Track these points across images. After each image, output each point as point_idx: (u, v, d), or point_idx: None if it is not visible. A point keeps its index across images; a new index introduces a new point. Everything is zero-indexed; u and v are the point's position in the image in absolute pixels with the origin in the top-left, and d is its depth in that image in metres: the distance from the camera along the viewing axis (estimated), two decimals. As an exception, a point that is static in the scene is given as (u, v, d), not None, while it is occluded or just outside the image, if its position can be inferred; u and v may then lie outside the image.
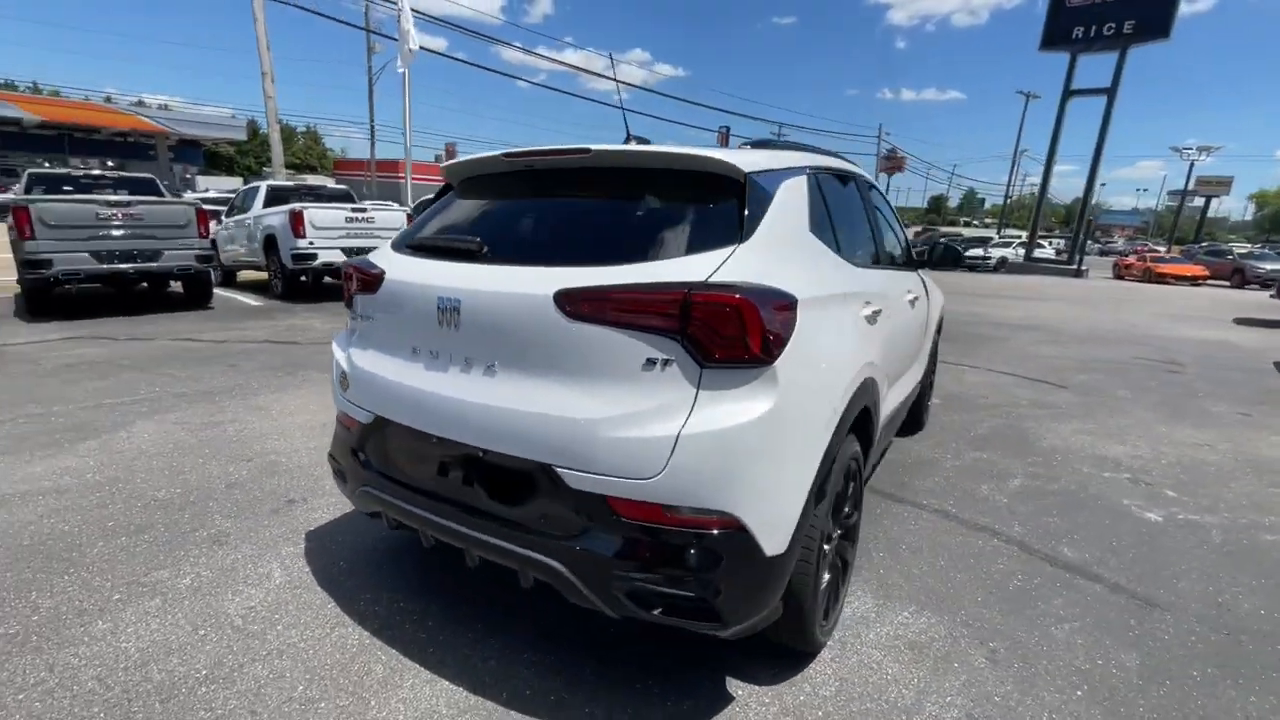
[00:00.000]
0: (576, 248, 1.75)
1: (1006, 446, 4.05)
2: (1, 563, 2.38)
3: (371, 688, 1.82)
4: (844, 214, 2.60)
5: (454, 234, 1.97)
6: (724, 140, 45.22)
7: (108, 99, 39.47)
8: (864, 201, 2.75)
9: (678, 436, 1.44)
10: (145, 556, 2.46)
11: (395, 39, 12.36)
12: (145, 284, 8.67)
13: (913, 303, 3.05)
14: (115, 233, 7.48)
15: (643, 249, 1.64)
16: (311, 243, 8.94)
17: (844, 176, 2.63)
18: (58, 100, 35.81)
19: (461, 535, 1.72)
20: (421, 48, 12.15)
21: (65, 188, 8.91)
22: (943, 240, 4.23)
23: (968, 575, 2.52)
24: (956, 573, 2.54)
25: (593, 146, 1.82)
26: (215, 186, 31.86)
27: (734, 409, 1.47)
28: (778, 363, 1.51)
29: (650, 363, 1.49)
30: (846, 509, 2.10)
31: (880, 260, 2.77)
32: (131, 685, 1.80)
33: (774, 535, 1.56)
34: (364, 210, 9.75)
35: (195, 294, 8.61)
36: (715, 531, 1.49)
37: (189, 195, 16.62)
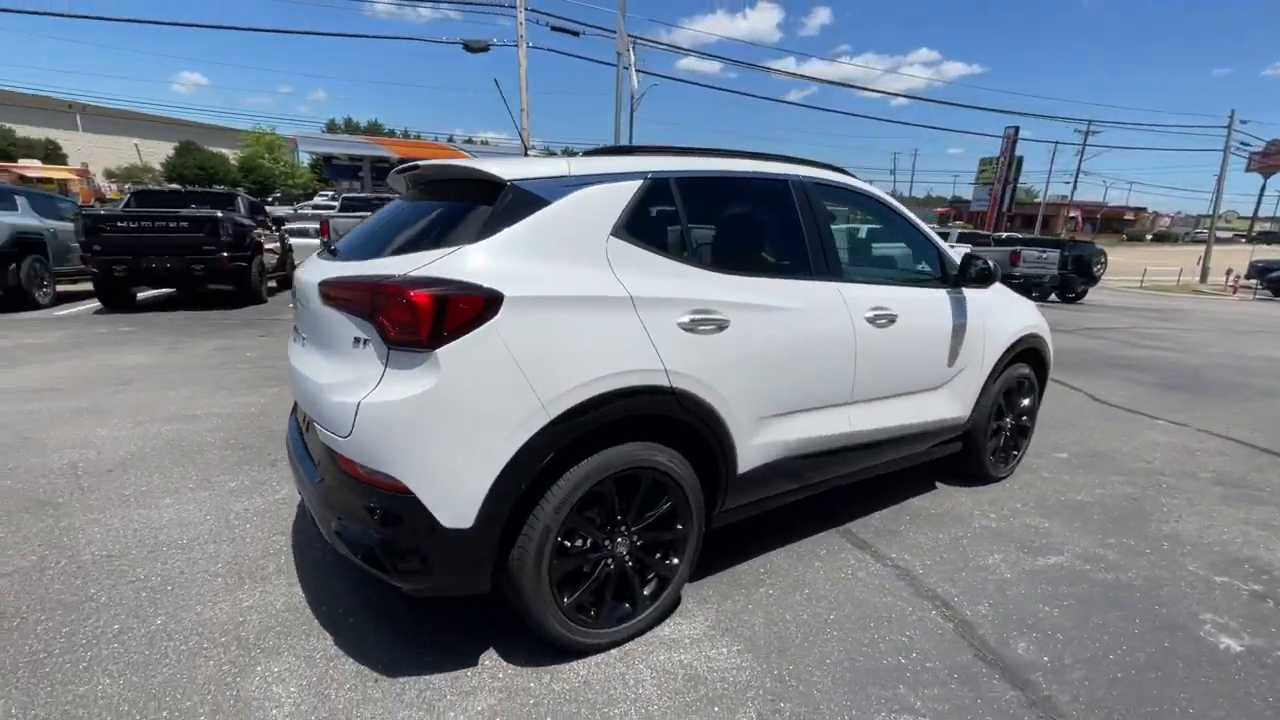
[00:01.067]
0: (382, 246, 2.08)
1: (1107, 520, 3.14)
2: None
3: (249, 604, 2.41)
4: (726, 225, 2.46)
5: (335, 238, 2.46)
6: (1011, 144, 39.06)
7: (450, 139, 50.33)
8: (793, 209, 2.52)
9: (359, 404, 1.69)
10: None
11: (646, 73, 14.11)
12: None
13: (875, 321, 2.66)
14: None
15: (405, 247, 1.92)
16: None
17: (748, 183, 2.49)
18: (415, 142, 46.83)
19: (300, 482, 2.19)
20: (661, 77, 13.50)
21: (362, 209, 12.07)
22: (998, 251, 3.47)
23: (840, 637, 2.17)
24: (832, 630, 2.20)
25: (422, 162, 2.13)
26: None
27: (403, 386, 1.67)
28: (442, 349, 1.65)
29: (357, 341, 1.78)
30: (642, 521, 2.05)
31: (801, 270, 2.49)
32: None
33: (450, 510, 1.70)
34: None
35: None
36: (389, 494, 1.70)
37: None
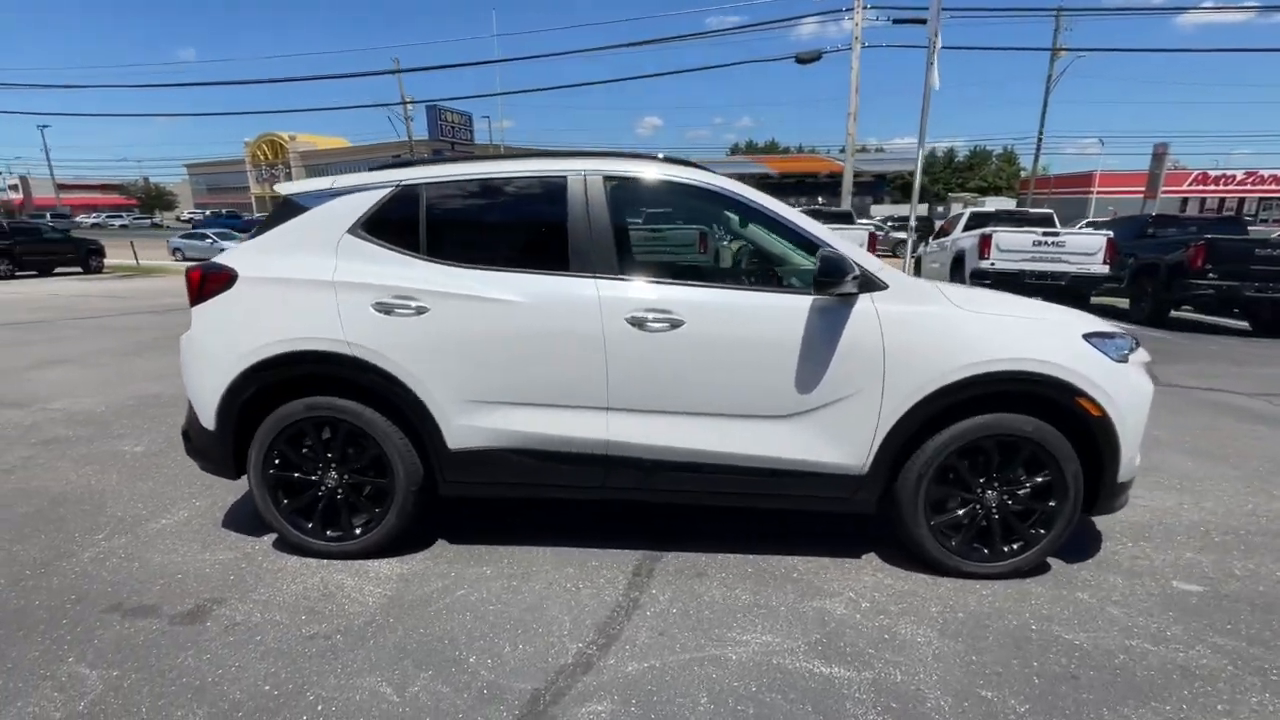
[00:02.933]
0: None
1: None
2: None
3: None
4: (474, 223, 2.63)
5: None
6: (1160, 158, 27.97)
7: (812, 150, 50.88)
8: (562, 206, 2.48)
9: (183, 339, 2.69)
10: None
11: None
12: None
13: (644, 324, 2.36)
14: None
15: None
16: (993, 263, 9.85)
17: (508, 183, 2.65)
18: (795, 156, 48.80)
19: None
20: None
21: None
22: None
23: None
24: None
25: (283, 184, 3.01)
26: (887, 213, 37.27)
27: (188, 331, 2.60)
28: (196, 308, 2.51)
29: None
30: (347, 464, 2.55)
31: (552, 265, 2.47)
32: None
33: (203, 416, 2.57)
34: (1056, 235, 10.10)
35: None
36: (189, 401, 2.67)
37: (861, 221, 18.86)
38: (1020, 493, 2.50)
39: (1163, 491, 3.40)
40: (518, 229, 2.71)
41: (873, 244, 10.89)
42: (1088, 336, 2.45)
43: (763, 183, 41.87)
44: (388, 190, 2.57)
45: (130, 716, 1.77)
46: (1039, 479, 2.47)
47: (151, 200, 76.18)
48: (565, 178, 2.55)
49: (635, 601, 2.37)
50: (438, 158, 2.75)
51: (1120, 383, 2.42)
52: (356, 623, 2.21)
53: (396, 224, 2.57)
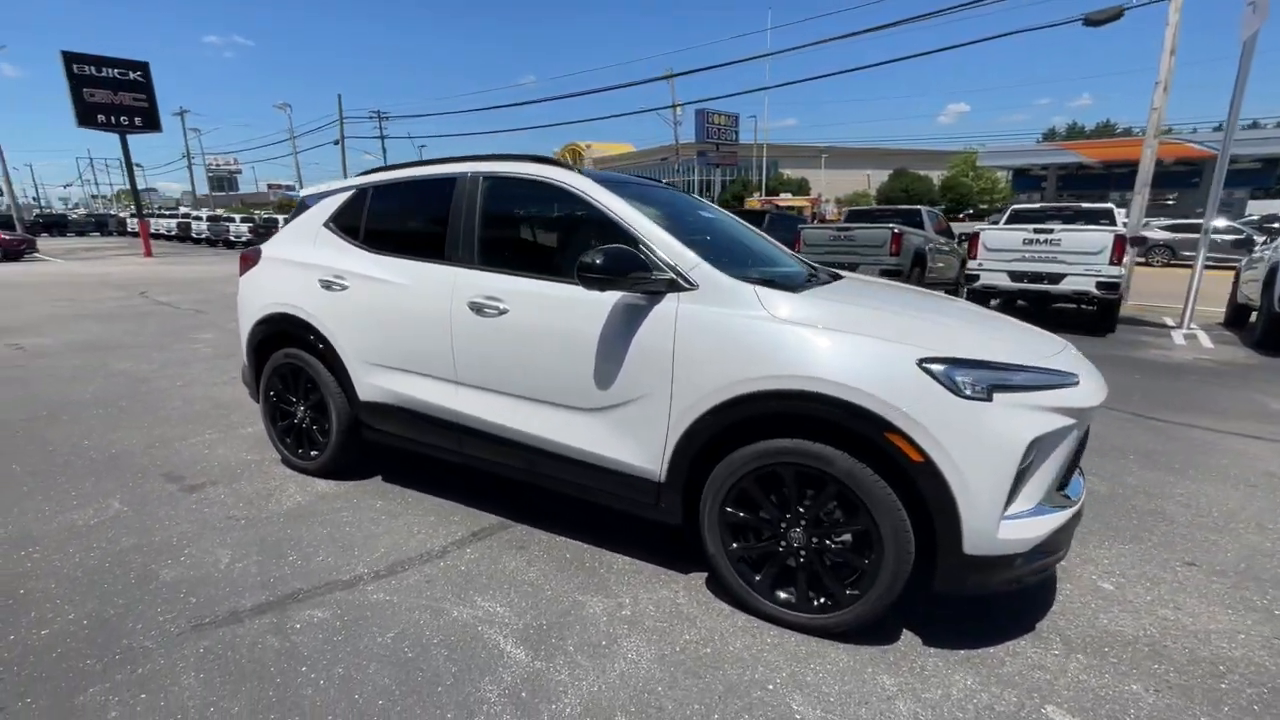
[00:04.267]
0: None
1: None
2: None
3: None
4: (401, 222, 3.13)
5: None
6: None
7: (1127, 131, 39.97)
8: (447, 203, 2.85)
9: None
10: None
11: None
12: (1064, 303, 9.02)
13: (481, 310, 2.60)
14: (1032, 256, 8.68)
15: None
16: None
17: (417, 184, 3.10)
18: (1112, 141, 39.36)
19: None
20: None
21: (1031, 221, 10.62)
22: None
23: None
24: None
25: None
26: (1266, 210, 27.93)
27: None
28: (241, 277, 3.53)
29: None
30: (308, 399, 3.33)
31: (432, 254, 2.86)
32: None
33: (244, 354, 3.62)
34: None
35: (1100, 318, 8.69)
36: (249, 342, 3.76)
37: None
38: (833, 539, 2.11)
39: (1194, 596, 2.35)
40: (419, 223, 3.16)
41: (1119, 250, 8.52)
42: (926, 361, 1.95)
43: (1079, 173, 34.46)
44: (350, 192, 3.28)
45: (127, 526, 2.76)
46: (855, 527, 2.06)
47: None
48: (455, 178, 2.92)
49: (444, 551, 2.68)
50: (399, 165, 3.33)
51: (960, 423, 1.88)
52: (262, 515, 2.97)
53: (349, 219, 3.26)
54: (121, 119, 21.91)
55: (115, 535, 2.75)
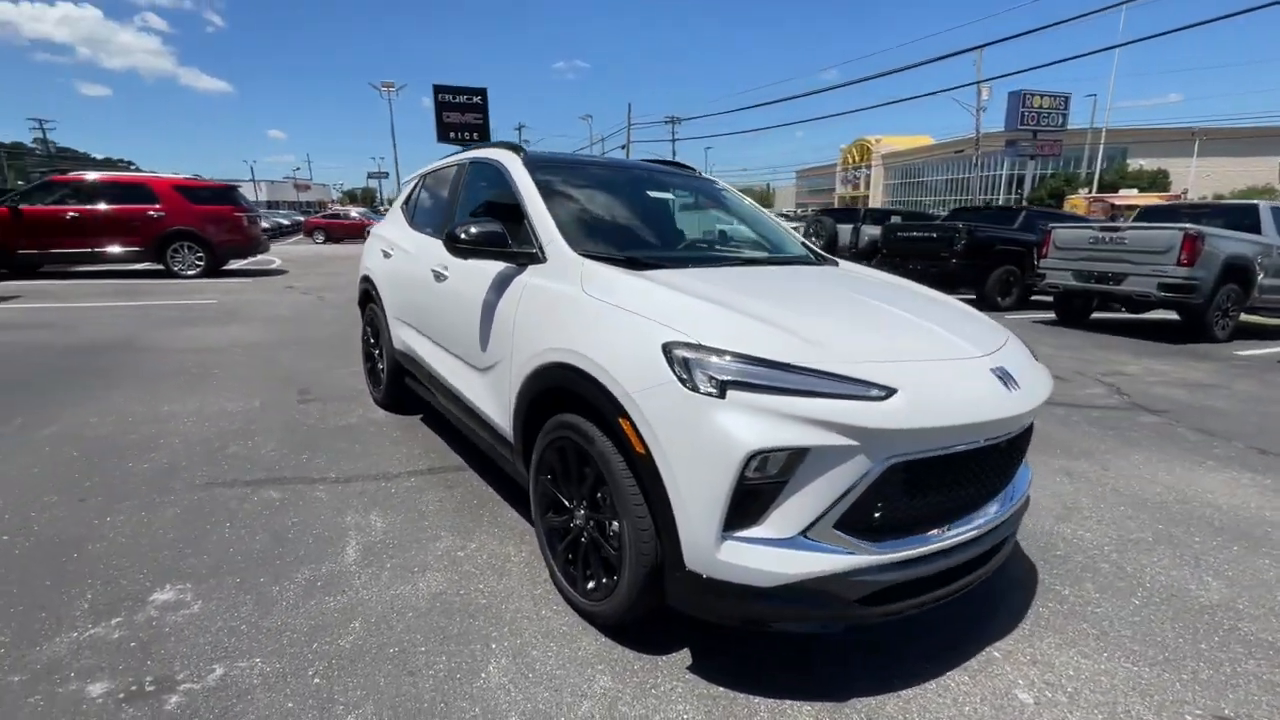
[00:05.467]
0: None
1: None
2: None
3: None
4: (428, 201, 3.70)
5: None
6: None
7: None
8: (455, 184, 3.33)
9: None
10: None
11: None
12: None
13: (437, 275, 3.02)
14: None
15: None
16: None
17: (441, 170, 3.61)
18: None
19: None
20: None
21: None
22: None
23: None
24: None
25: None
26: None
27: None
28: (365, 245, 4.57)
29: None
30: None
31: (436, 229, 3.33)
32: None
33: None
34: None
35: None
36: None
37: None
38: (606, 524, 2.02)
39: None
40: (434, 203, 3.69)
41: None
42: (671, 345, 1.75)
43: None
44: (416, 180, 4.01)
45: (246, 416, 3.96)
46: (611, 515, 1.96)
47: (762, 201, 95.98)
48: (458, 165, 3.41)
49: (395, 476, 3.20)
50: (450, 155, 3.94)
51: (681, 418, 1.67)
52: (322, 425, 3.89)
53: (410, 201, 4.00)
54: (464, 134, 28.09)
55: (235, 419, 3.93)
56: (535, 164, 2.83)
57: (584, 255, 2.29)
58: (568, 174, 2.86)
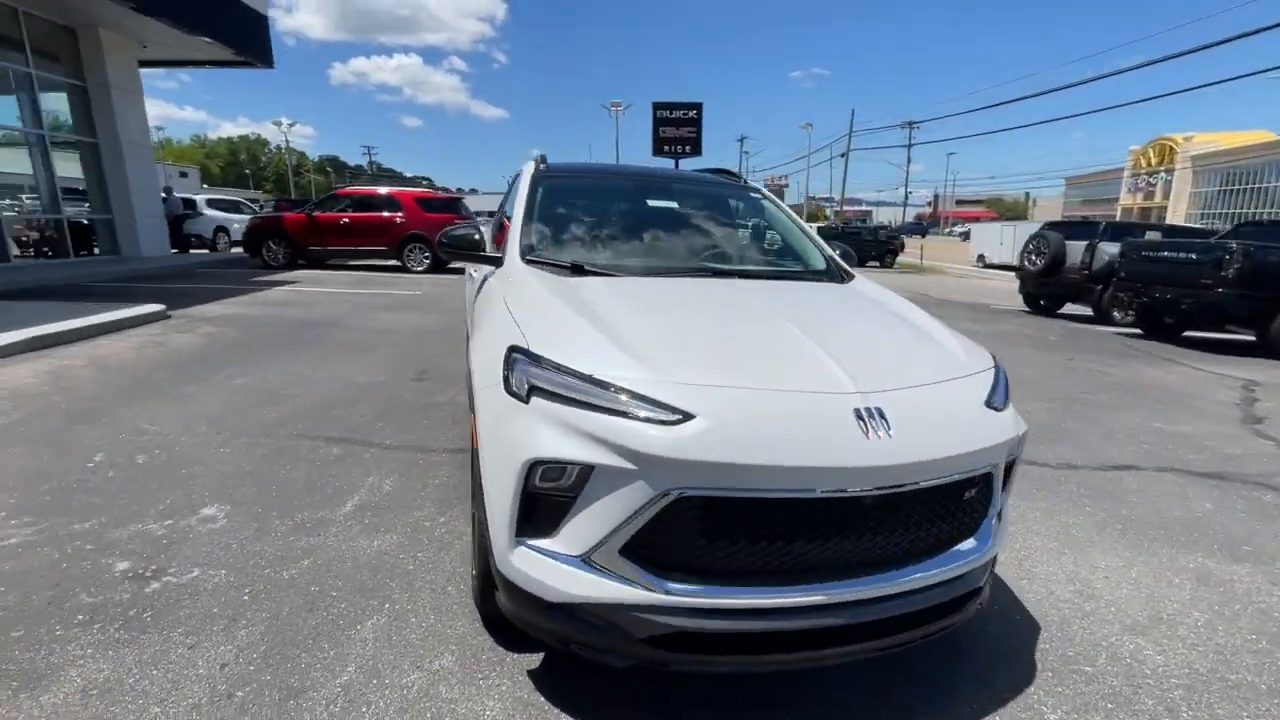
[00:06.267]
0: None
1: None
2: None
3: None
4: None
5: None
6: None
7: None
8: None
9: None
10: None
11: None
12: None
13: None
14: None
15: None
16: None
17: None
18: None
19: None
20: None
21: None
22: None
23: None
24: (417, 418, 4.15)
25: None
26: None
27: None
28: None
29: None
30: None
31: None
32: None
33: None
34: None
35: None
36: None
37: None
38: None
39: None
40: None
41: None
42: (512, 350, 1.81)
43: None
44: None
45: (359, 386, 4.82)
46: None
47: (1013, 213, 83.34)
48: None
49: (414, 457, 3.64)
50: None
51: (495, 419, 1.76)
52: (417, 401, 4.54)
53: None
54: (677, 148, 29.33)
55: (356, 389, 4.77)
56: (542, 174, 3.01)
57: (530, 261, 2.42)
58: (570, 183, 2.99)
